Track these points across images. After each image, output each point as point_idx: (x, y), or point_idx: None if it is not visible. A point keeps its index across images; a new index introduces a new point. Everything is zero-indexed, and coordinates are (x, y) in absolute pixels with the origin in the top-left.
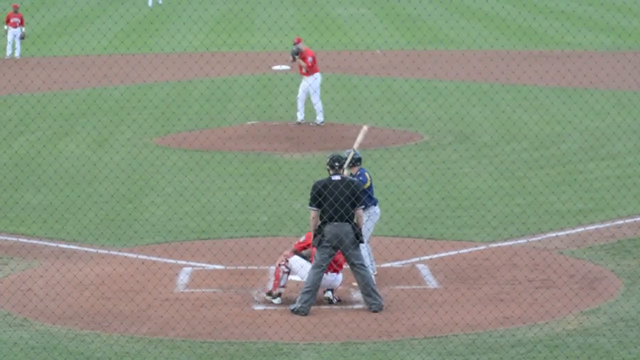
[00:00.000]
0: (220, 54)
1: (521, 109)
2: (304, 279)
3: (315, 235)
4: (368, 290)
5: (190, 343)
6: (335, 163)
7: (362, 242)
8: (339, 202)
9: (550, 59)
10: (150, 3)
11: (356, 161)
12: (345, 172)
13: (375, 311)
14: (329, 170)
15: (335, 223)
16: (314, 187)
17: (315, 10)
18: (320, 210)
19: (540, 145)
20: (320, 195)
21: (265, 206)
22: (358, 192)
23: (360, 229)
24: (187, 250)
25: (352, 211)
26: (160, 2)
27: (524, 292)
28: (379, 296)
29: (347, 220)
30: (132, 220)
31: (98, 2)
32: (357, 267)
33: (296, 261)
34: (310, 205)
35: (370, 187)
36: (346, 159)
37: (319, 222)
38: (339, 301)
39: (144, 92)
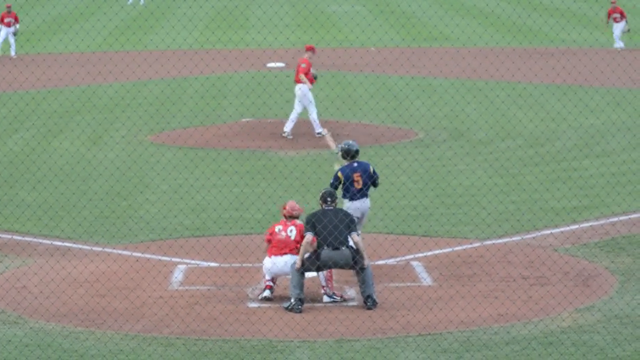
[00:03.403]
0: (214, 51)
1: (516, 106)
2: (265, 272)
3: (303, 263)
4: (365, 284)
5: (184, 340)
6: (328, 198)
7: (363, 267)
8: (338, 229)
9: (544, 56)
10: (142, 1)
11: (355, 153)
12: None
13: (370, 308)
14: (321, 204)
15: (332, 249)
16: (311, 215)
17: (310, 7)
18: (316, 236)
19: (535, 143)
20: (319, 222)
21: (259, 203)
22: (353, 220)
23: (360, 255)
24: (181, 247)
25: (348, 238)
26: (142, 2)
27: (518, 290)
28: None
29: (345, 246)
30: (127, 218)
31: None
32: (361, 271)
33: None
34: (307, 231)
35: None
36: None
37: (315, 248)
38: (342, 297)
39: (138, 89)
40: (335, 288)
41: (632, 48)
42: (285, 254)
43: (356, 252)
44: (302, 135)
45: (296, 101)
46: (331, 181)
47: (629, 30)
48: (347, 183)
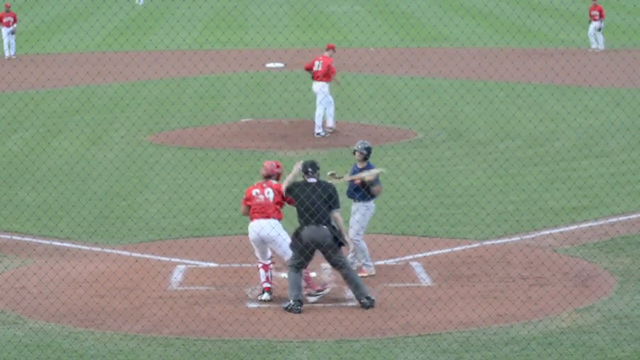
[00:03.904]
0: (213, 51)
1: (515, 106)
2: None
3: (293, 242)
4: (356, 284)
5: (183, 341)
6: (309, 168)
7: (342, 244)
8: (316, 205)
9: (543, 57)
10: (141, 1)
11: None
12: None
13: (366, 307)
14: (304, 175)
15: (313, 227)
16: (292, 185)
17: (309, 7)
18: (290, 198)
19: (534, 143)
20: (292, 192)
21: None
22: (335, 196)
23: (340, 232)
24: (180, 247)
25: (329, 214)
26: (141, 2)
27: (517, 290)
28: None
29: (324, 224)
30: (126, 218)
31: None
32: (339, 267)
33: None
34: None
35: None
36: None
37: (297, 226)
38: (323, 288)
39: (137, 89)
40: (334, 289)
41: (631, 48)
42: (268, 217)
43: (337, 233)
44: (301, 135)
45: (321, 98)
46: (380, 184)
47: (600, 30)
48: None
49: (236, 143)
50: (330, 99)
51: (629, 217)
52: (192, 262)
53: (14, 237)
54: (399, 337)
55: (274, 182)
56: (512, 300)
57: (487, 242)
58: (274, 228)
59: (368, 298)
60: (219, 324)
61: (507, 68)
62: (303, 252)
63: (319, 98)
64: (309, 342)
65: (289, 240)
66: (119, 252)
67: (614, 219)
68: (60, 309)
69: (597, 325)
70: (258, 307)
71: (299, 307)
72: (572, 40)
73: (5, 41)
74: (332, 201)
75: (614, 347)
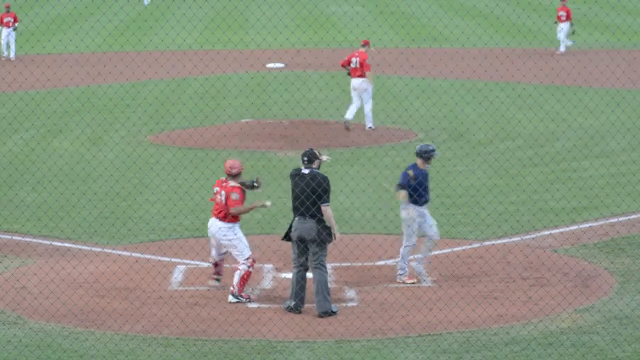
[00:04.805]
0: (214, 51)
1: (515, 106)
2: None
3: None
4: (317, 290)
5: (184, 341)
6: (304, 158)
7: (327, 241)
8: (301, 196)
9: (544, 57)
10: (145, 1)
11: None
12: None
13: (319, 315)
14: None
15: (300, 219)
16: (290, 173)
17: (309, 7)
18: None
19: (535, 143)
20: (292, 185)
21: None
22: (323, 189)
23: (330, 227)
24: (181, 248)
25: (318, 208)
26: (146, 2)
27: (517, 290)
28: (328, 301)
29: (310, 216)
30: (126, 218)
31: None
32: (313, 266)
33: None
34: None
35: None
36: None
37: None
38: (249, 298)
39: (137, 89)
40: (333, 290)
41: (631, 49)
42: (222, 219)
43: (323, 227)
44: (301, 136)
45: (356, 95)
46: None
47: (574, 32)
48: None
49: (236, 143)
50: (369, 94)
51: (629, 217)
52: (192, 262)
53: (15, 238)
54: (399, 337)
55: (232, 183)
56: (512, 300)
57: (488, 243)
58: (225, 235)
59: (326, 313)
60: (219, 324)
61: (507, 68)
62: (294, 245)
63: (363, 94)
64: (309, 342)
65: (242, 245)
66: (119, 252)
67: (614, 220)
68: (60, 309)
69: (597, 326)
70: (258, 307)
71: (299, 307)
72: (573, 40)
73: (4, 42)
74: (322, 195)
75: (614, 347)
